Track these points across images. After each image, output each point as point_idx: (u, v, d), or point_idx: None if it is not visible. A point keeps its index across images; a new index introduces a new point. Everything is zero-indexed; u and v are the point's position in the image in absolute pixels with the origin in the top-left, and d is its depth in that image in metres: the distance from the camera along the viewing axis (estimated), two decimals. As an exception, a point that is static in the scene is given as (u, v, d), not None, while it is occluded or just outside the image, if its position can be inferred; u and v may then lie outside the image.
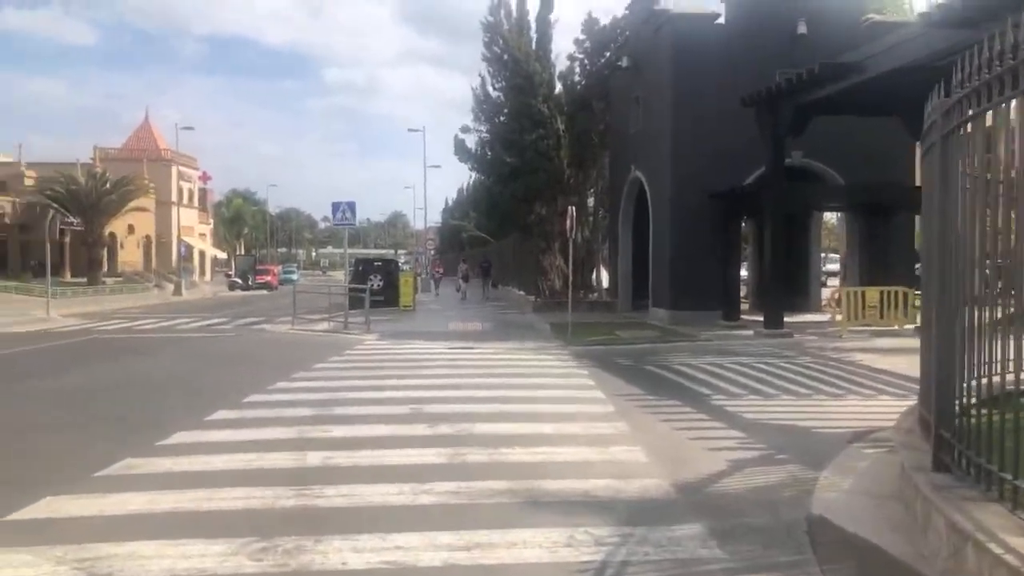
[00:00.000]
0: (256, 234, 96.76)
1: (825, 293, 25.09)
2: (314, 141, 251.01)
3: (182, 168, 61.12)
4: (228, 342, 16.67)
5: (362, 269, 28.17)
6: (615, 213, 25.04)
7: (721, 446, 6.89)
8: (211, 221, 74.00)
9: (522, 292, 28.71)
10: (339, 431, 7.29)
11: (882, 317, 16.70)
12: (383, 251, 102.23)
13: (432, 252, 61.71)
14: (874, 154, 19.27)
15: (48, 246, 25.81)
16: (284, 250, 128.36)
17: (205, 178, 68.08)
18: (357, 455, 6.35)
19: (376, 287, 26.76)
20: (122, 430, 7.50)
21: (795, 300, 22.57)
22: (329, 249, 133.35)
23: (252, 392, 9.48)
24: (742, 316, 19.38)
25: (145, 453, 6.43)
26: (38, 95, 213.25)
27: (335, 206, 19.05)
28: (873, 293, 16.73)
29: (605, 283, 30.64)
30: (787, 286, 22.32)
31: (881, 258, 18.90)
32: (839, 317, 17.18)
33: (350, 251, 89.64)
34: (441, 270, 46.25)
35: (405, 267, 46.89)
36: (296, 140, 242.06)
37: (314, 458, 6.25)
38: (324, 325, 19.40)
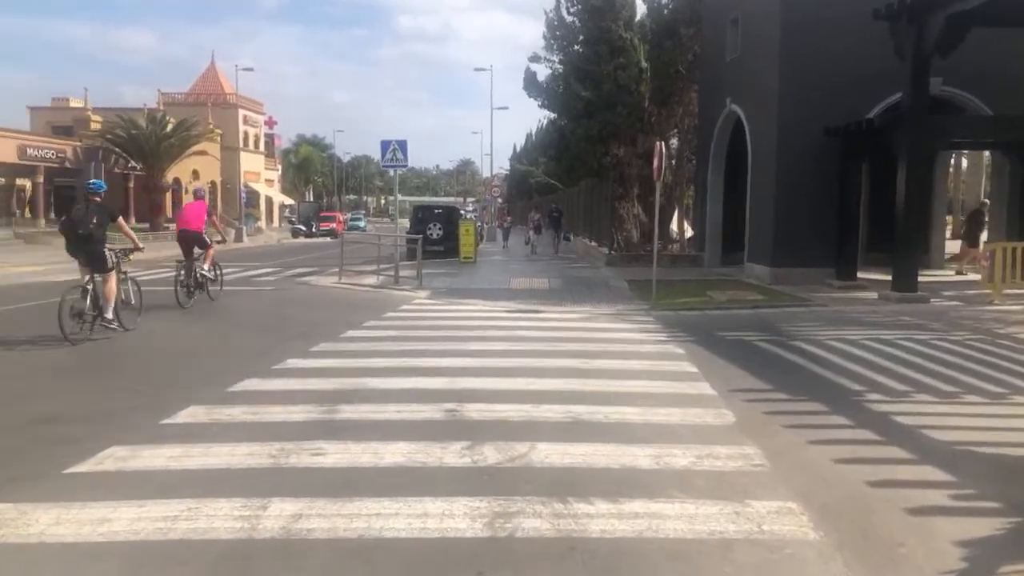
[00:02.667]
0: (324, 181, 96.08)
1: (949, 247, 21.60)
2: (386, 89, 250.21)
3: (247, 113, 59.95)
4: (260, 298, 14.69)
5: (421, 216, 26.00)
6: (704, 155, 21.93)
7: (928, 503, 4.28)
8: (278, 167, 73.15)
9: (594, 243, 26.03)
10: (334, 454, 4.98)
11: (1047, 280, 13.45)
12: (450, 199, 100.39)
13: (500, 200, 59.15)
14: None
15: (94, 190, 24.40)
16: (354, 197, 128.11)
17: (271, 123, 67.03)
18: (344, 512, 4.01)
19: (435, 236, 24.67)
20: (28, 445, 5.37)
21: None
22: (399, 197, 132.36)
23: (247, 375, 7.28)
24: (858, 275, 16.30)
25: (34, 495, 4.26)
26: (129, 47, 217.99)
27: (384, 145, 16.69)
28: (1036, 250, 13.45)
29: (679, 233, 27.68)
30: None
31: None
32: (979, 276, 13.99)
33: (414, 199, 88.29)
34: (509, 218, 42.98)
35: (471, 215, 44.65)
36: (369, 88, 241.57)
37: (274, 518, 3.93)
38: (373, 279, 17.27)
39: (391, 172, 18.54)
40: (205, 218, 13.00)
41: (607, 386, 7.00)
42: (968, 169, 26.98)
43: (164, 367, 8.10)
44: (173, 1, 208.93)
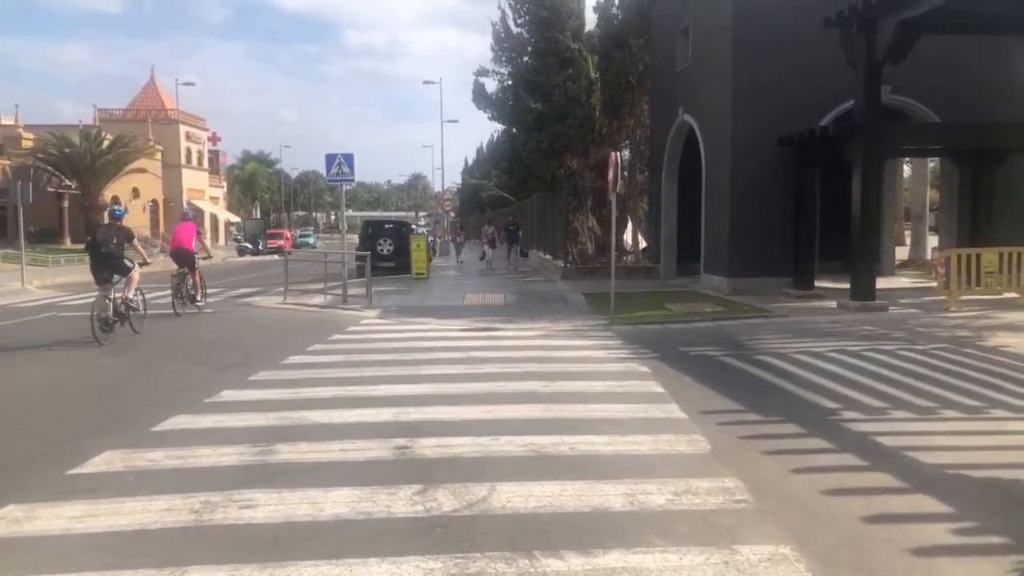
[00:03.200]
0: (272, 197, 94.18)
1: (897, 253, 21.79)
2: (336, 105, 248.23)
3: (190, 129, 58.37)
4: (195, 323, 13.85)
5: (371, 232, 25.24)
6: (657, 165, 21.78)
7: (931, 541, 3.88)
8: (224, 184, 71.37)
9: (548, 256, 25.66)
10: (267, 506, 4.37)
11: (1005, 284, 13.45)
12: (401, 213, 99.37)
13: (452, 214, 58.48)
14: (976, 88, 15.82)
15: (21, 211, 23.12)
16: (303, 213, 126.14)
17: (215, 139, 65.48)
18: (273, 583, 3.44)
19: (386, 252, 24.03)
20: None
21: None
22: (350, 212, 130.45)
23: (175, 411, 6.59)
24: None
25: None
26: (65, 62, 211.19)
27: (329, 159, 16.01)
28: (991, 255, 13.46)
29: (633, 245, 27.50)
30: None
31: (985, 213, 15.55)
32: (936, 284, 13.97)
33: (365, 214, 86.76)
34: (463, 232, 41.09)
35: (423, 230, 43.95)
36: (318, 104, 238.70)
37: (188, 596, 3.33)
38: (320, 299, 16.54)
39: (339, 187, 17.87)
40: (195, 237, 14.79)
41: (571, 412, 6.51)
42: (911, 177, 27.44)
43: (85, 401, 7.33)
44: (110, 16, 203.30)
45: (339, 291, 16.35)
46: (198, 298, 14.87)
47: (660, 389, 7.47)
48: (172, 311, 14.10)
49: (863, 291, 13.42)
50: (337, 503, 4.38)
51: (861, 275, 13.50)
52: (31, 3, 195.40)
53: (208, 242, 57.18)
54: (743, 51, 16.03)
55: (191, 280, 14.60)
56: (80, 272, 31.19)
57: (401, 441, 5.61)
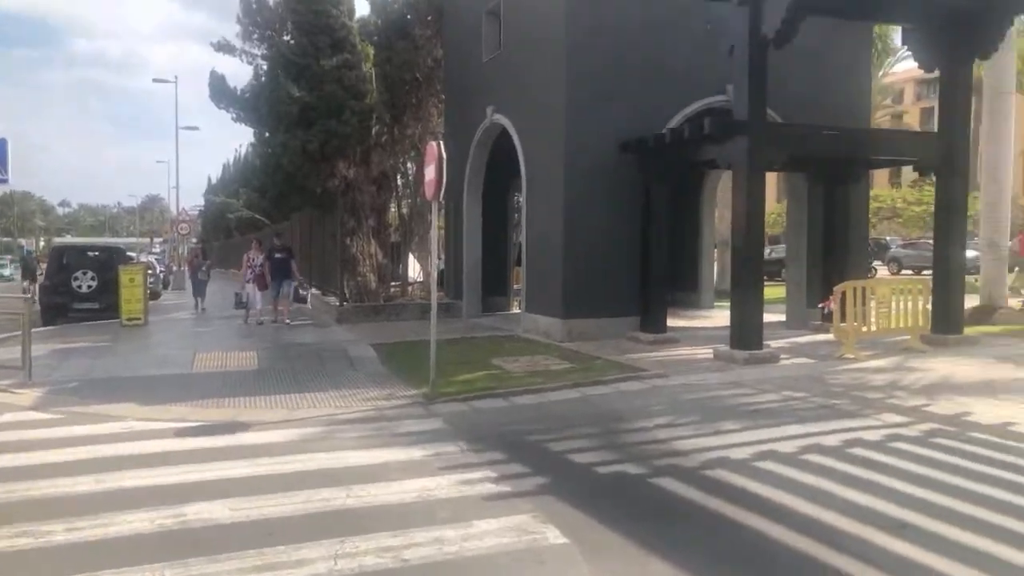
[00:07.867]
0: (-39, 219, 77.07)
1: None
2: (59, 119, 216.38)
3: None
4: None
5: (65, 263, 18.29)
6: (455, 180, 17.73)
7: None
8: None
9: (317, 292, 20.55)
10: None
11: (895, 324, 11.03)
12: (133, 239, 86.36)
13: (194, 240, 49.91)
14: (817, 93, 13.62)
15: None
16: (8, 239, 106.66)
17: None
18: None
19: (86, 290, 17.56)
20: None
21: (678, 293, 16.92)
22: (68, 238, 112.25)
23: None
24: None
25: None
26: None
27: (-36, 146, 9.90)
28: (883, 289, 11.02)
29: (412, 275, 23.06)
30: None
31: (841, 238, 13.41)
32: (832, 325, 11.35)
33: (85, 240, 72.65)
34: (208, 263, 25.77)
35: (152, 259, 36.32)
36: (36, 117, 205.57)
37: None
38: (-52, 368, 10.22)
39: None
40: None
41: None
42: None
43: None
44: None
45: (-18, 355, 10.19)
46: None
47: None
48: None
49: (750, 337, 10.29)
50: None
51: (747, 315, 10.34)
52: None
53: None
54: (579, 32, 12.53)
55: None
56: None
57: None
